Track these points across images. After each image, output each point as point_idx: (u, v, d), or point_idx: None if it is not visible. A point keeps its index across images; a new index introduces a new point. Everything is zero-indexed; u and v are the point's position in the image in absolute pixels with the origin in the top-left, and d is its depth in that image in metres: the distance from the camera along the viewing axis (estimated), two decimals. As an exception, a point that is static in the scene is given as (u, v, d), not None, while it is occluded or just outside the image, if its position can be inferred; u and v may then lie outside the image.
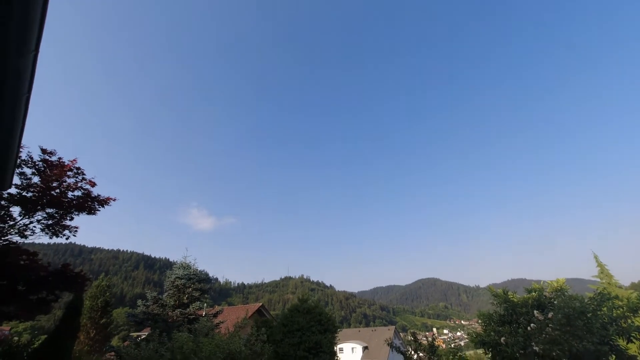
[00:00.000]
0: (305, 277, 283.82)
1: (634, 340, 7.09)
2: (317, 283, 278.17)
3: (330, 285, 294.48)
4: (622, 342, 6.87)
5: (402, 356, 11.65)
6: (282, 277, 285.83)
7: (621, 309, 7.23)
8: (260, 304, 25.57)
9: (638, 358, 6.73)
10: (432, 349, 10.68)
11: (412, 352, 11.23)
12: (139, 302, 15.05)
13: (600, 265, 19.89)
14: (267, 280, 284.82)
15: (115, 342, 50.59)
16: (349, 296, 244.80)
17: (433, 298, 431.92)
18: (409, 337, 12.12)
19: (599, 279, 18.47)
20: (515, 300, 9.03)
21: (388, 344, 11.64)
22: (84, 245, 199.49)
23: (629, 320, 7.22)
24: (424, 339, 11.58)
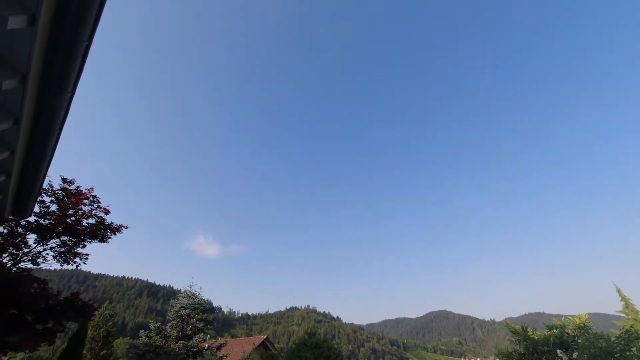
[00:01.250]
0: (311, 307, 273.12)
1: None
2: (324, 314, 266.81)
3: (338, 317, 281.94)
4: (656, 388, 6.33)
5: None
6: (288, 307, 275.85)
7: (652, 350, 6.74)
8: (265, 336, 24.63)
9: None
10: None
11: None
12: (141, 332, 14.65)
13: (624, 299, 18.78)
14: (271, 311, 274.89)
15: (113, 375, 48.44)
16: (357, 329, 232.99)
17: (446, 332, 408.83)
18: None
19: (624, 315, 17.34)
20: (536, 337, 8.53)
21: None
22: (89, 272, 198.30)
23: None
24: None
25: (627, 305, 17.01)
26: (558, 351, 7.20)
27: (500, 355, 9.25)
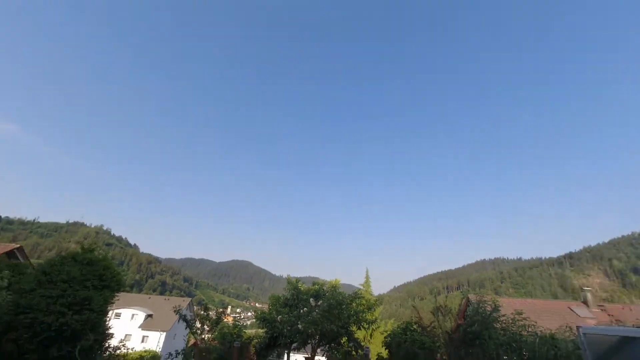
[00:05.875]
0: (105, 228, 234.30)
1: (362, 328, 10.04)
2: (118, 238, 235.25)
3: (135, 245, 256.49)
4: (354, 328, 9.52)
5: (187, 327, 11.49)
6: (71, 221, 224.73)
7: (362, 306, 10.03)
8: (18, 245, 19.16)
9: (359, 339, 9.56)
10: (217, 320, 11.13)
11: (199, 323, 11.35)
12: None
13: (367, 277, 27.00)
14: (42, 220, 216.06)
15: None
16: (152, 260, 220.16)
17: (240, 280, 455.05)
18: (202, 311, 12.19)
19: (362, 287, 25.13)
20: (302, 289, 10.78)
21: (175, 312, 11.25)
22: None
23: (365, 315, 10.09)
24: (214, 313, 11.91)
25: (367, 280, 24.46)
26: (311, 299, 9.52)
27: (271, 299, 11.14)
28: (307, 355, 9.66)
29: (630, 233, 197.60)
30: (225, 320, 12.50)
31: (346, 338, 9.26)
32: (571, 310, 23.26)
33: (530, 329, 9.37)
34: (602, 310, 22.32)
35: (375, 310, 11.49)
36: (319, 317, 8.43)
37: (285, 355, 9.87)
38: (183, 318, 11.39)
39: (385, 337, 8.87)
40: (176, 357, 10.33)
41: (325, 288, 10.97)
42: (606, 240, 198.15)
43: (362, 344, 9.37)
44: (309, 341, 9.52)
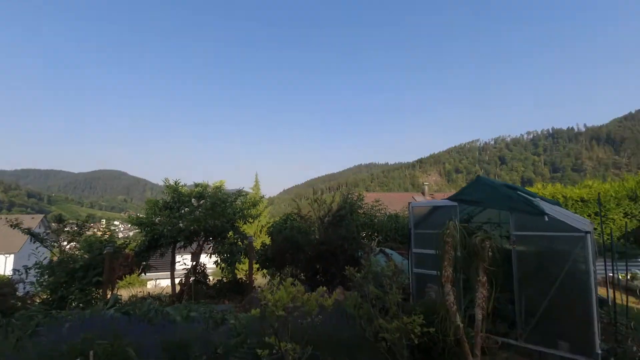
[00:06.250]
0: None
1: (248, 223, 10.77)
2: None
3: None
4: (240, 223, 10.06)
5: (35, 242, 9.61)
6: None
7: (247, 203, 10.50)
8: None
9: (247, 233, 10.31)
10: (79, 231, 9.71)
11: (60, 239, 9.61)
12: None
13: (256, 181, 27.90)
14: None
15: None
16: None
17: (114, 192, 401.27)
18: (59, 225, 10.19)
19: (252, 190, 26.00)
20: (183, 191, 10.19)
21: (11, 226, 9.09)
22: None
23: (250, 211, 10.66)
24: (75, 226, 10.18)
25: (256, 183, 25.38)
26: (193, 200, 9.27)
27: (148, 203, 10.23)
28: (192, 251, 9.88)
29: (459, 144, 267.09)
30: (96, 233, 11.08)
31: (232, 232, 9.73)
32: (413, 198, 32.00)
33: (383, 212, 12.53)
34: (431, 197, 31.69)
35: (260, 205, 12.31)
36: (202, 215, 8.42)
37: (171, 254, 9.81)
38: (28, 232, 9.50)
39: (268, 228, 9.81)
40: (27, 272, 8.87)
41: (209, 190, 10.64)
42: (444, 149, 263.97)
43: (249, 236, 10.08)
44: (195, 239, 9.61)
